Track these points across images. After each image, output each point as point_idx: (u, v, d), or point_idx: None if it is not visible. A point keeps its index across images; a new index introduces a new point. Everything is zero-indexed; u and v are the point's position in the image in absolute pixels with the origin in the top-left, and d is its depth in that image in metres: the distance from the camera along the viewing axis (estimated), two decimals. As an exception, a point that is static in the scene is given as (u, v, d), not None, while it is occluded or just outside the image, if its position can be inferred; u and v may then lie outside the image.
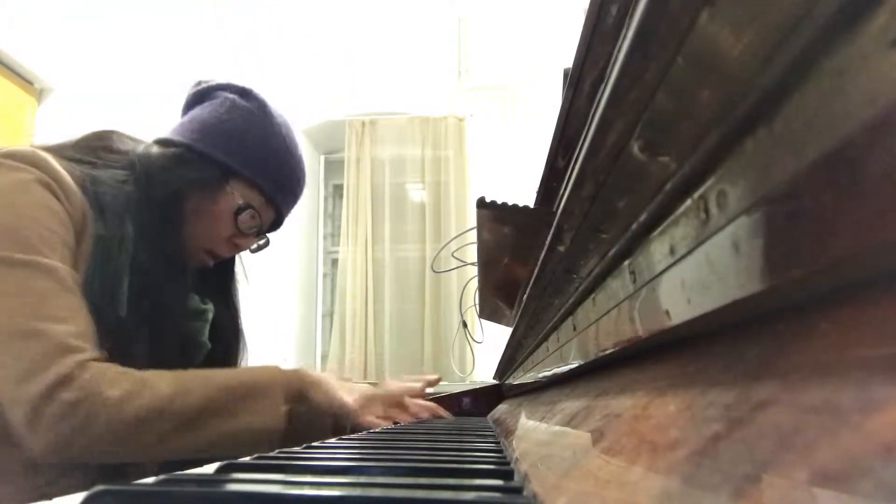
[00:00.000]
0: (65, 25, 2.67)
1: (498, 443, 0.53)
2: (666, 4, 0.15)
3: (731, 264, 0.17)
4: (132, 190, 0.83)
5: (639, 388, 0.26)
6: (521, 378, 0.89)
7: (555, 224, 0.36)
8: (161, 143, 0.90)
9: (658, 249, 0.23)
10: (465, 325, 1.70)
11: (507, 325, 1.03)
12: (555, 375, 0.55)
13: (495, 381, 1.33)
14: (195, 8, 2.85)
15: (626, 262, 0.28)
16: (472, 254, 0.97)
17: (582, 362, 0.41)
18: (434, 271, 2.74)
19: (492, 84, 3.01)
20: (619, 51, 0.19)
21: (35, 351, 0.67)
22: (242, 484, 0.29)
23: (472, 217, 2.70)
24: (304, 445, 0.51)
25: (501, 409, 1.07)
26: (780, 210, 0.14)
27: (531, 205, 0.61)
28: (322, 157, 3.40)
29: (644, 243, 0.25)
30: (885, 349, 0.11)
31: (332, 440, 0.62)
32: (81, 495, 0.25)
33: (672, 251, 0.21)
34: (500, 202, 0.57)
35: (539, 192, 0.63)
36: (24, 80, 2.60)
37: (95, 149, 0.86)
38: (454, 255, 1.45)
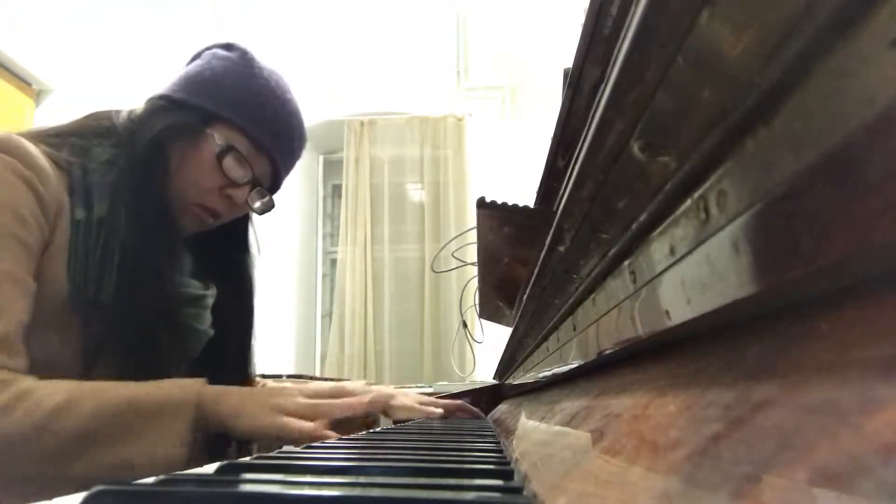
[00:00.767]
0: (64, 26, 2.67)
1: (498, 443, 0.53)
2: (666, 4, 0.15)
3: (731, 264, 0.17)
4: (122, 162, 0.79)
5: (639, 388, 0.26)
6: (521, 378, 0.89)
7: (555, 224, 0.36)
8: (147, 101, 0.86)
9: (658, 249, 0.23)
10: (465, 325, 1.70)
11: (507, 325, 1.03)
12: (555, 375, 0.55)
13: (495, 381, 1.33)
14: (195, 8, 2.85)
15: (626, 262, 0.28)
16: (472, 254, 0.97)
17: (582, 362, 0.41)
18: (434, 271, 2.74)
19: (491, 84, 3.01)
20: (619, 51, 0.19)
21: None
22: (242, 484, 0.29)
23: (471, 217, 2.70)
24: (304, 445, 0.51)
25: (501, 409, 1.07)
26: (780, 210, 0.14)
27: (531, 205, 0.61)
28: (321, 157, 3.40)
29: (644, 243, 0.25)
30: (885, 349, 0.11)
31: (332, 440, 0.62)
32: (81, 495, 0.25)
33: (672, 251, 0.21)
34: (500, 202, 0.57)
35: (539, 192, 0.63)
36: (22, 81, 2.60)
37: (88, 130, 0.83)
38: (454, 255, 1.45)
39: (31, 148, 0.73)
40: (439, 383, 2.07)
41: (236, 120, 0.84)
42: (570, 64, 0.44)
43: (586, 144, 0.25)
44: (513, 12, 2.95)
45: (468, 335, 1.72)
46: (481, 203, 0.57)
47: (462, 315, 1.77)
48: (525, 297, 0.58)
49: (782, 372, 0.14)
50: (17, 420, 0.62)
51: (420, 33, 3.08)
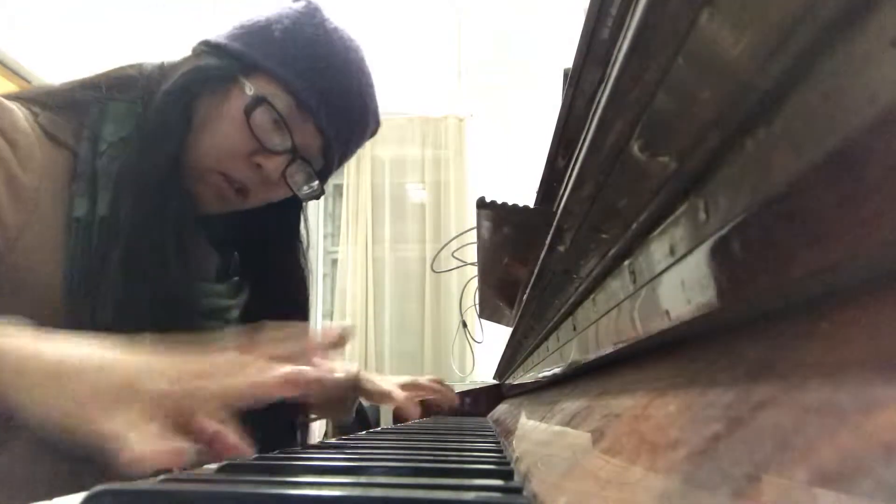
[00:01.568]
0: (64, 25, 2.67)
1: (498, 443, 0.53)
2: (666, 4, 0.15)
3: (731, 264, 0.17)
4: (136, 120, 0.64)
5: (639, 388, 0.26)
6: (521, 378, 0.89)
7: (555, 224, 0.36)
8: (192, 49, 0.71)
9: (658, 249, 0.23)
10: (465, 325, 1.70)
11: (507, 325, 1.03)
12: (555, 375, 0.55)
13: (495, 381, 1.33)
14: (195, 8, 2.85)
15: (626, 262, 0.28)
16: (472, 254, 0.97)
17: (582, 362, 0.41)
18: (434, 271, 2.74)
19: (492, 84, 3.01)
20: (619, 51, 0.19)
21: None
22: (242, 484, 0.29)
23: (472, 217, 2.69)
24: (305, 445, 0.51)
25: (501, 409, 1.07)
26: (781, 210, 0.14)
27: (531, 205, 0.61)
28: (322, 157, 3.40)
29: (644, 243, 0.25)
30: (885, 349, 0.11)
31: (332, 440, 0.62)
32: (81, 495, 0.25)
33: (672, 251, 0.21)
34: (500, 202, 0.57)
35: (539, 192, 0.63)
36: (23, 80, 2.60)
37: (105, 83, 0.67)
38: (454, 255, 1.45)
39: (17, 116, 0.60)
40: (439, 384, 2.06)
41: (278, 70, 0.66)
42: (570, 64, 0.44)
43: (586, 144, 0.25)
44: (513, 13, 2.95)
45: (468, 335, 1.72)
46: (481, 203, 0.57)
47: (462, 315, 1.77)
48: (525, 297, 0.58)
49: (782, 372, 0.14)
50: None
51: (421, 33, 3.08)
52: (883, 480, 0.09)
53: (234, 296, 0.72)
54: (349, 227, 3.04)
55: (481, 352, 2.13)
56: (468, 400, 1.24)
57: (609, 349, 0.33)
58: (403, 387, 1.04)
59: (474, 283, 0.99)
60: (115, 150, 0.63)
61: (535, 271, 0.47)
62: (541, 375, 0.65)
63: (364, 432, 0.77)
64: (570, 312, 0.44)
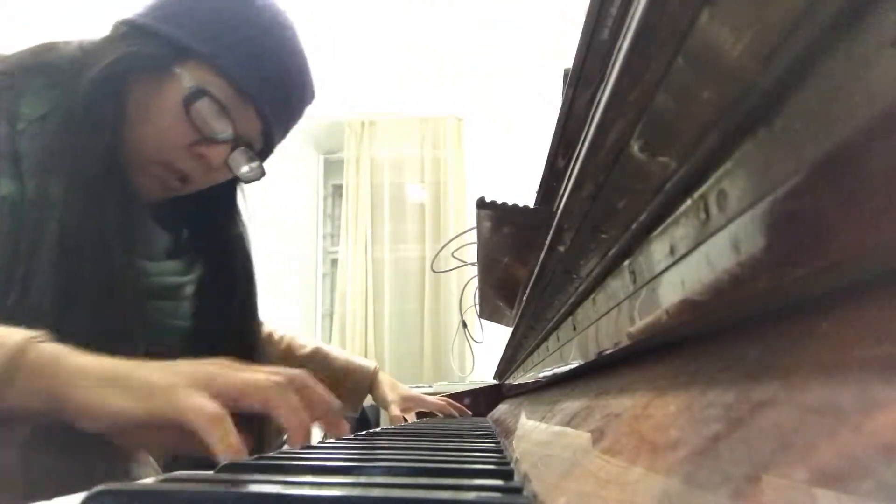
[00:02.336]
0: (64, 25, 2.67)
1: (498, 443, 0.53)
2: (666, 4, 0.15)
3: (731, 264, 0.17)
4: (61, 109, 0.60)
5: (639, 388, 0.26)
6: (521, 378, 0.89)
7: (555, 224, 0.36)
8: (111, 28, 0.68)
9: (658, 249, 0.23)
10: (465, 325, 1.70)
11: (507, 325, 1.03)
12: (555, 375, 0.55)
13: (495, 381, 1.33)
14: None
15: (626, 262, 0.28)
16: (472, 254, 0.97)
17: (582, 362, 0.41)
18: (434, 271, 2.74)
19: (491, 84, 3.01)
20: (619, 51, 0.19)
21: None
22: (242, 484, 0.29)
23: (471, 217, 2.69)
24: (305, 445, 0.51)
25: (501, 409, 1.07)
26: (780, 210, 0.14)
27: (531, 205, 0.61)
28: (321, 157, 3.40)
29: (644, 243, 0.25)
30: (885, 349, 0.11)
31: (332, 440, 0.62)
32: (81, 495, 0.25)
33: (672, 251, 0.21)
34: (500, 202, 0.57)
35: (539, 192, 0.63)
36: (23, 81, 2.61)
37: (21, 65, 0.63)
38: (454, 255, 1.45)
39: None
40: (439, 383, 2.07)
41: (213, 57, 0.64)
42: (570, 64, 0.44)
43: (586, 144, 0.25)
44: (513, 12, 2.95)
45: (468, 335, 1.72)
46: (481, 203, 0.57)
47: (462, 315, 1.77)
48: (525, 297, 0.58)
49: (782, 372, 0.14)
50: None
51: (420, 33, 3.08)
52: (883, 480, 0.09)
53: (185, 272, 0.72)
54: (349, 227, 3.04)
55: (481, 352, 2.13)
56: (468, 400, 1.24)
57: (609, 349, 0.33)
58: (406, 400, 1.06)
59: (474, 283, 0.99)
60: (35, 128, 0.60)
61: (535, 271, 0.47)
62: (541, 375, 0.65)
63: (364, 432, 0.77)
64: (570, 312, 0.44)
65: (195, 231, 0.76)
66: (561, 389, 0.53)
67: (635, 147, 0.21)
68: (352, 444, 0.55)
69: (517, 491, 0.27)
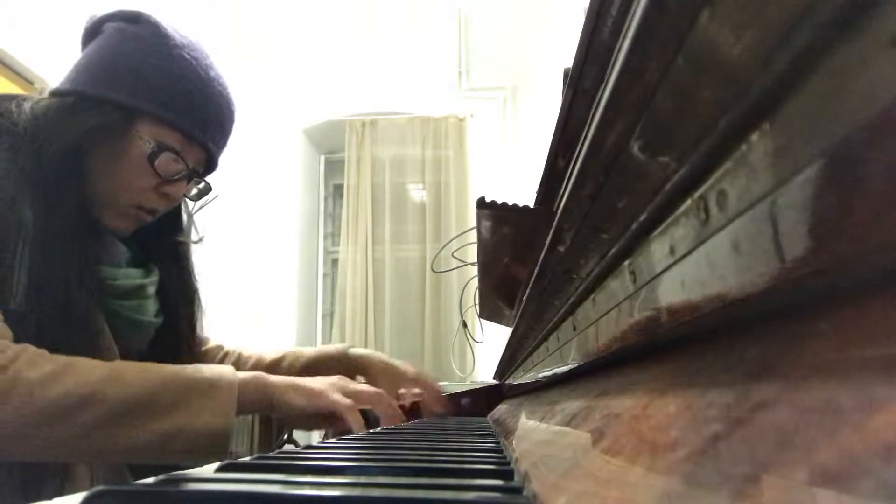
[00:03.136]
0: (66, 24, 2.67)
1: (498, 443, 0.53)
2: (666, 4, 0.15)
3: (731, 264, 0.17)
4: (28, 169, 0.71)
5: (639, 388, 0.26)
6: (521, 378, 0.89)
7: (555, 224, 0.36)
8: (53, 94, 0.79)
9: (658, 249, 0.23)
10: (465, 325, 1.71)
11: (507, 325, 1.03)
12: (555, 375, 0.55)
13: (495, 381, 1.33)
14: (194, 7, 2.85)
15: (626, 262, 0.28)
16: (472, 254, 0.97)
17: (582, 362, 0.41)
18: (434, 271, 2.75)
19: (492, 84, 3.01)
20: (619, 51, 0.19)
21: None
22: (242, 484, 0.29)
23: (472, 217, 2.70)
24: (305, 445, 0.51)
25: (501, 409, 1.07)
26: (780, 210, 0.14)
27: (531, 205, 0.61)
28: (322, 157, 3.40)
29: (644, 243, 0.25)
30: (885, 349, 0.11)
31: (332, 440, 0.62)
32: (81, 495, 0.25)
33: (672, 251, 0.21)
34: (500, 202, 0.57)
35: (539, 192, 0.63)
36: (24, 80, 2.61)
37: None
38: (454, 255, 1.45)
39: None
40: (439, 383, 2.07)
41: (166, 115, 0.77)
42: (570, 64, 0.44)
43: (586, 144, 0.25)
44: (513, 12, 2.95)
45: (468, 335, 1.72)
46: (481, 203, 0.57)
47: (462, 315, 1.77)
48: (525, 297, 0.58)
49: (782, 372, 0.14)
50: (65, 388, 0.61)
51: (421, 34, 3.08)
52: (883, 480, 0.09)
53: (146, 276, 0.86)
54: (349, 227, 3.04)
55: (481, 352, 2.13)
56: (468, 400, 1.24)
57: (609, 349, 0.33)
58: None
59: (474, 284, 0.99)
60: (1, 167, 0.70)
61: (535, 271, 0.47)
62: (541, 375, 0.65)
63: (364, 432, 0.77)
64: (570, 312, 0.44)
65: (149, 242, 0.90)
66: (561, 389, 0.53)
67: (635, 147, 0.21)
68: (352, 444, 0.55)
69: (517, 491, 0.27)
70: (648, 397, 0.23)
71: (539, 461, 0.32)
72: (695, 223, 0.19)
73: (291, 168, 3.13)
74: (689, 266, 0.20)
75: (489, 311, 1.06)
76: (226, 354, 1.06)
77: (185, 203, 0.94)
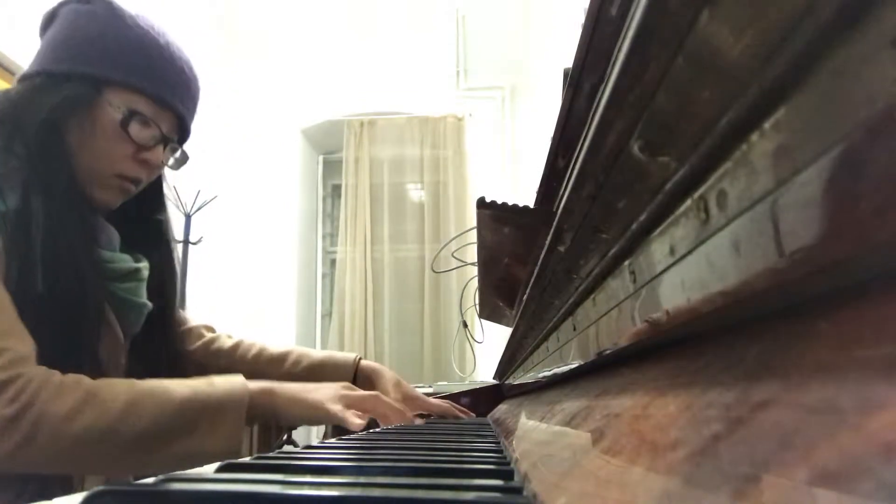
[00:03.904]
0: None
1: (498, 443, 0.53)
2: (666, 4, 0.15)
3: (731, 264, 0.17)
4: (18, 150, 0.74)
5: (639, 388, 0.26)
6: (521, 378, 0.89)
7: (555, 224, 0.36)
8: (21, 79, 0.82)
9: (658, 249, 0.23)
10: (465, 325, 1.71)
11: (507, 325, 1.03)
12: (555, 375, 0.55)
13: (495, 381, 1.33)
14: (194, 7, 2.84)
15: (626, 262, 0.28)
16: (472, 254, 0.97)
17: (582, 362, 0.41)
18: (434, 271, 2.74)
19: (491, 84, 3.01)
20: (619, 51, 0.19)
21: None
22: (242, 484, 0.29)
23: (470, 217, 2.69)
24: (305, 445, 0.51)
25: (501, 409, 1.07)
26: (780, 210, 0.14)
27: (531, 205, 0.61)
28: (321, 157, 3.40)
29: (644, 243, 0.25)
30: (885, 349, 0.11)
31: (332, 440, 0.62)
32: (81, 495, 0.25)
33: (672, 251, 0.21)
34: (500, 202, 0.57)
35: (539, 192, 0.63)
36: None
37: None
38: (454, 255, 1.45)
39: None
40: (439, 383, 2.07)
41: (131, 80, 0.80)
42: (570, 64, 0.44)
43: (586, 144, 0.25)
44: (513, 12, 2.95)
45: (468, 335, 1.72)
46: (481, 203, 0.57)
47: (462, 315, 1.77)
48: (525, 297, 0.58)
49: (782, 372, 0.14)
50: (86, 423, 0.66)
51: (420, 34, 3.08)
52: (883, 480, 0.09)
53: (140, 260, 0.90)
54: (348, 227, 3.04)
55: (481, 352, 2.14)
56: (468, 400, 1.24)
57: (609, 349, 0.33)
58: (409, 400, 1.06)
59: (474, 283, 0.99)
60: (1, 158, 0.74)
61: (535, 271, 0.47)
62: (541, 375, 0.65)
63: (364, 432, 0.77)
64: (570, 312, 0.44)
65: (132, 227, 0.91)
66: (561, 389, 0.53)
67: (635, 147, 0.21)
68: (352, 444, 0.55)
69: (517, 491, 0.27)
70: (648, 397, 0.23)
71: (539, 461, 0.32)
72: (695, 223, 0.19)
73: (290, 168, 3.13)
74: (689, 266, 0.20)
75: (489, 311, 1.07)
76: (217, 339, 1.07)
77: (165, 179, 0.96)
